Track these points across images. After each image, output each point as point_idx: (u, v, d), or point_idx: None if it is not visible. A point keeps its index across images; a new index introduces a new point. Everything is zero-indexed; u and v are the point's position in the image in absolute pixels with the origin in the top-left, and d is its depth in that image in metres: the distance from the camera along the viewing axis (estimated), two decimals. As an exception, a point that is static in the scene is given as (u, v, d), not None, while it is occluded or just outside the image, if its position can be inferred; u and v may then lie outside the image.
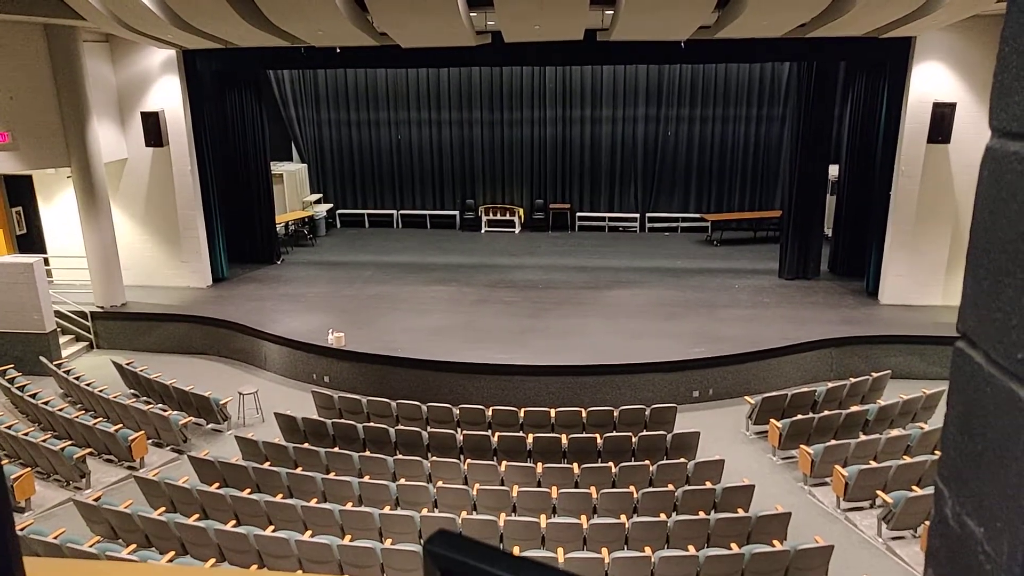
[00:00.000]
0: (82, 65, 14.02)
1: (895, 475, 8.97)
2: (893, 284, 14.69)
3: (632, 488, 8.67)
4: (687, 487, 8.79)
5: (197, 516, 8.08)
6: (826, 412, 10.79)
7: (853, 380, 11.74)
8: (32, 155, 13.81)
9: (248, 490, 8.70)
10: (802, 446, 9.93)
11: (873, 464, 9.23)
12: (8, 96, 13.24)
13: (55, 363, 13.00)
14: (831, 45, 13.17)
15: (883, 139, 14.71)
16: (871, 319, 14.07)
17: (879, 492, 8.81)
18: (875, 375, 11.92)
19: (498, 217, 21.60)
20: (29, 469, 9.47)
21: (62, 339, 14.39)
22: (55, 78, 13.84)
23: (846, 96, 16.43)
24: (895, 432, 10.17)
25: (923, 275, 14.47)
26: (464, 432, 10.31)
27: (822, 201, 16.37)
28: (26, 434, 10.14)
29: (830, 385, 11.68)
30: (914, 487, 8.73)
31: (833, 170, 17.21)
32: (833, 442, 9.81)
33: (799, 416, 10.63)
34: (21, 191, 16.74)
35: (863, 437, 10.06)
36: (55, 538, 7.14)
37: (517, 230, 21.42)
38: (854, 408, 10.99)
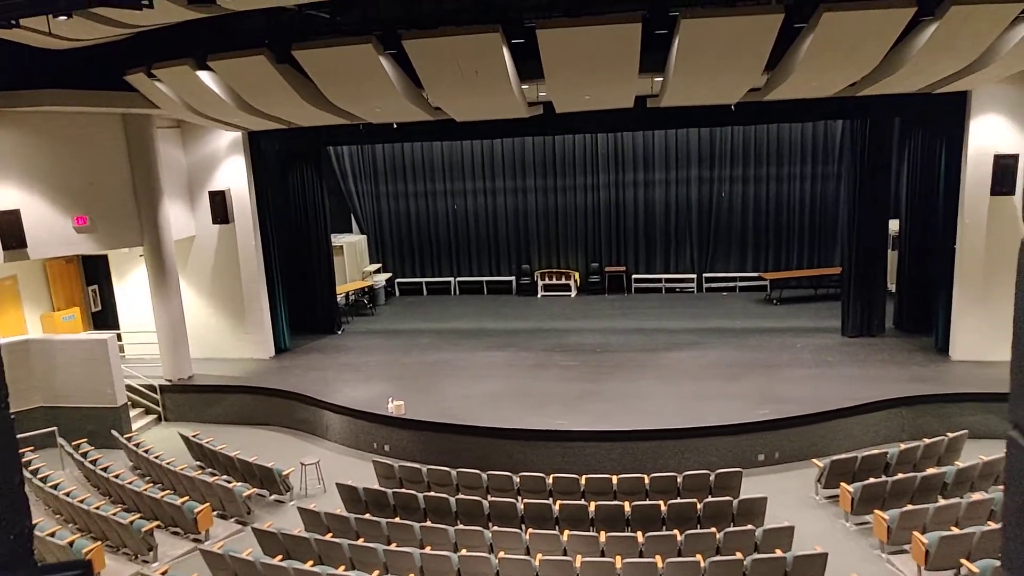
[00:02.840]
0: (155, 150, 14.88)
1: (980, 542, 8.46)
2: (964, 339, 14.15)
3: (699, 557, 8.39)
4: (756, 555, 8.45)
5: (261, 588, 8.11)
6: (900, 475, 10.30)
7: (927, 441, 11.22)
8: (108, 236, 14.58)
9: (311, 562, 8.71)
10: (876, 511, 9.48)
11: (955, 530, 8.73)
12: (88, 182, 14.09)
13: (125, 436, 13.38)
14: (883, 102, 13.10)
15: (944, 192, 14.40)
16: (943, 376, 13.53)
17: (963, 561, 8.32)
18: (951, 435, 11.36)
19: (554, 281, 21.71)
20: (100, 543, 9.67)
21: (132, 412, 14.85)
22: (131, 163, 14.70)
23: (903, 149, 16.23)
24: (977, 496, 9.62)
25: (996, 329, 13.89)
26: (525, 500, 10.17)
27: (883, 256, 16.04)
28: (97, 507, 10.40)
29: (903, 446, 11.20)
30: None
31: (893, 224, 16.88)
32: (910, 507, 9.33)
33: (871, 479, 10.17)
34: (97, 270, 17.60)
35: (942, 501, 9.54)
36: (125, 611, 7.23)
37: (573, 294, 21.46)
38: (931, 470, 10.47)
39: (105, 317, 17.72)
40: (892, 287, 17.03)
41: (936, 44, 9.09)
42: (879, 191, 15.51)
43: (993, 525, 8.82)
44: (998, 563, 7.80)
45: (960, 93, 13.20)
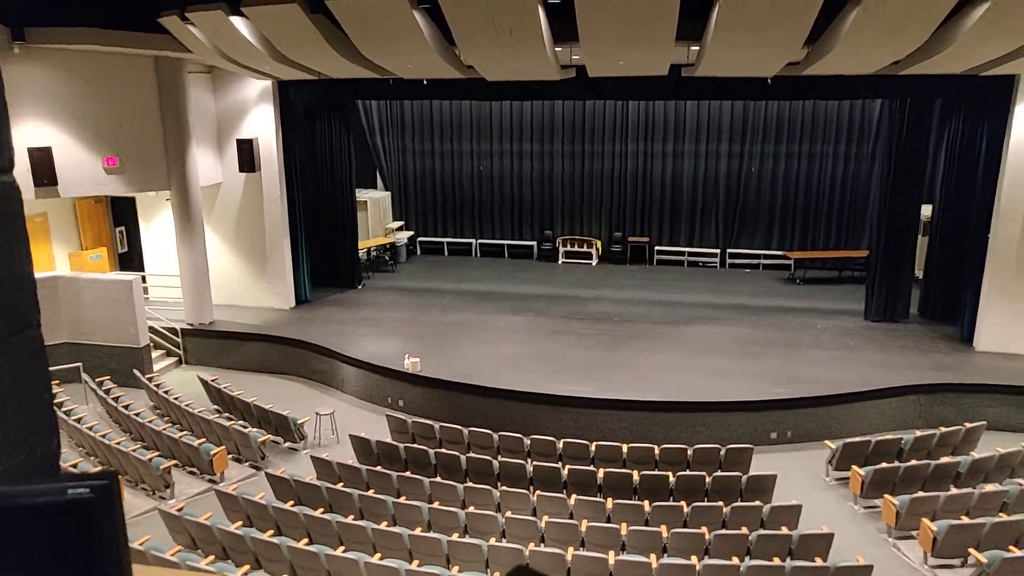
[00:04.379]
0: (186, 95, 14.87)
1: (990, 533, 8.42)
2: (991, 330, 13.94)
3: (704, 529, 8.44)
4: (762, 531, 8.49)
5: (271, 532, 8.28)
6: (913, 461, 10.25)
7: (944, 429, 11.13)
8: (137, 178, 14.67)
9: (321, 509, 8.88)
10: (886, 496, 9.45)
11: (965, 520, 8.69)
12: (119, 124, 14.14)
13: (147, 376, 13.63)
14: (926, 82, 12.74)
15: (982, 179, 14.07)
16: (965, 366, 13.37)
17: (971, 550, 8.29)
18: (969, 425, 11.27)
19: (576, 248, 21.62)
20: (120, 477, 9.89)
21: (154, 353, 15.09)
22: (161, 107, 14.70)
23: (942, 134, 15.81)
24: (990, 487, 9.56)
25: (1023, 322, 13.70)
26: (535, 463, 10.27)
27: (913, 242, 15.76)
28: (118, 443, 10.64)
29: (918, 433, 11.11)
30: (1012, 547, 8.18)
31: (926, 210, 16.56)
32: (921, 493, 9.30)
33: (883, 464, 10.14)
34: (125, 212, 17.78)
35: (954, 490, 9.50)
36: (140, 545, 7.43)
37: (594, 262, 21.38)
38: (945, 459, 10.40)
39: (131, 259, 17.94)
40: (919, 273, 16.76)
41: (986, 24, 8.79)
42: (914, 175, 15.17)
43: (1005, 517, 8.78)
44: (1008, 554, 7.77)
45: (1007, 76, 12.81)
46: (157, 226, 17.60)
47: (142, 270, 17.33)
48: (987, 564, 7.82)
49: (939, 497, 9.16)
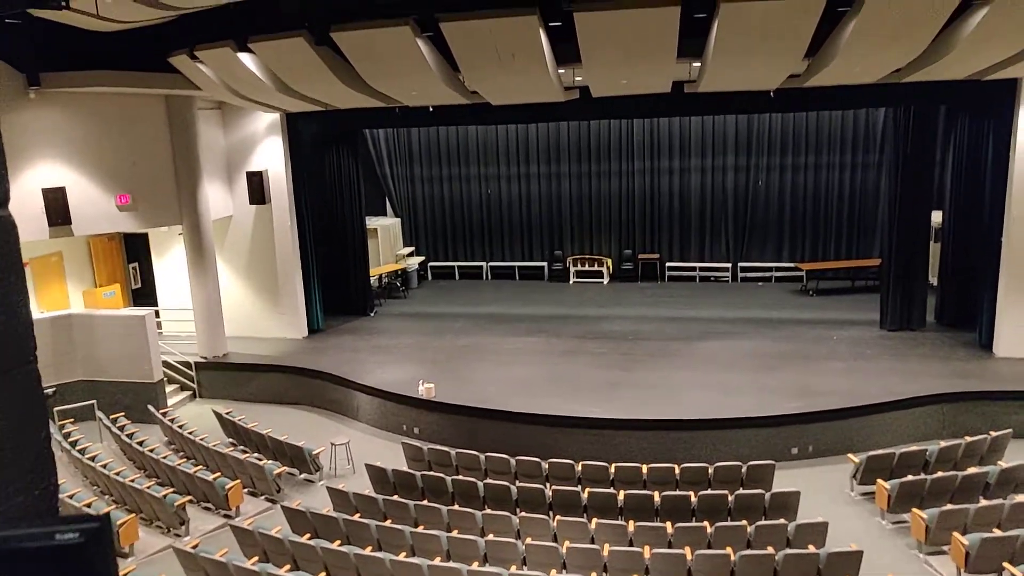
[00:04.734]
0: (196, 131, 15.08)
1: (1023, 546, 8.24)
2: (1009, 335, 13.75)
3: (729, 550, 8.28)
4: (788, 550, 8.31)
5: (288, 567, 8.20)
6: (940, 473, 10.05)
7: (969, 439, 10.92)
8: (149, 214, 14.83)
9: (338, 542, 8.78)
10: (914, 510, 9.24)
11: (997, 532, 8.47)
12: (131, 161, 14.33)
13: (161, 411, 13.63)
14: (929, 89, 12.70)
15: (991, 183, 13.96)
16: (986, 373, 13.17)
17: (1006, 564, 8.07)
18: (994, 434, 11.03)
19: (586, 268, 21.57)
20: (134, 515, 9.87)
21: (168, 388, 15.11)
22: (172, 144, 14.92)
23: (948, 139, 15.75)
24: (1021, 497, 9.34)
25: (1043, 326, 13.52)
26: (553, 487, 10.14)
27: (925, 248, 15.63)
28: (132, 480, 10.60)
29: (943, 444, 10.92)
30: (1045, 559, 7.99)
31: (936, 216, 16.43)
32: (950, 506, 9.08)
33: (909, 477, 9.94)
34: (138, 248, 17.92)
35: (984, 502, 9.29)
36: (157, 583, 7.37)
37: (606, 281, 21.32)
38: (972, 470, 10.17)
39: (145, 294, 18.06)
40: (933, 280, 16.59)
41: (986, 29, 8.76)
42: (922, 181, 15.09)
43: (1036, 528, 8.58)
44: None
45: (1010, 80, 12.75)
46: (170, 261, 17.71)
47: (155, 305, 17.42)
48: (1021, 577, 7.62)
49: (969, 510, 8.94)
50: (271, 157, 16.38)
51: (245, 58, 11.18)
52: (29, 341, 1.45)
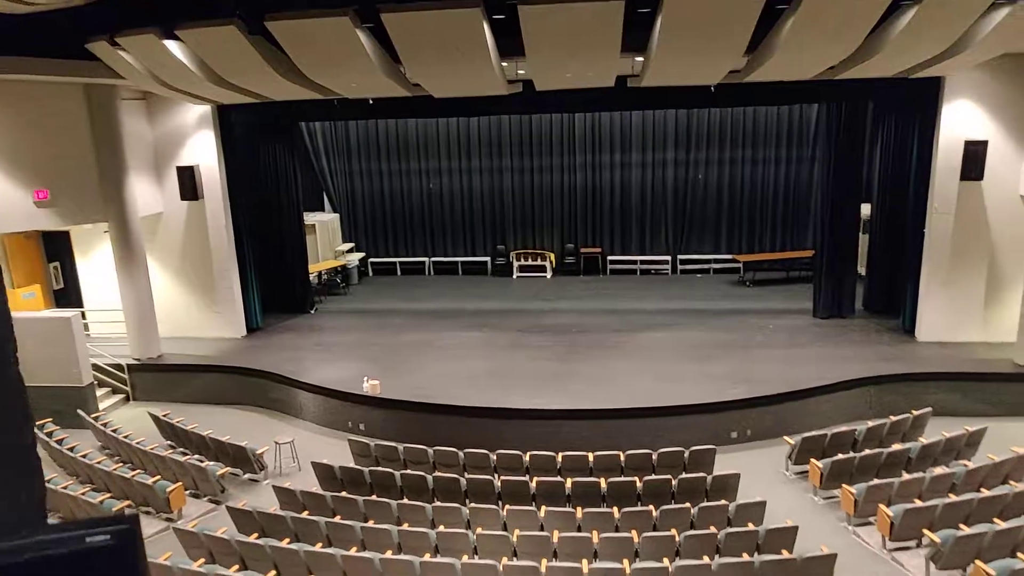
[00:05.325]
0: (120, 123, 14.45)
1: (942, 514, 8.72)
2: (930, 320, 14.46)
3: (674, 531, 8.50)
4: (729, 529, 8.59)
5: (237, 567, 8.04)
6: (867, 451, 10.57)
7: (893, 418, 11.49)
8: (70, 211, 14.16)
9: (287, 540, 8.65)
10: (844, 486, 9.70)
11: (918, 503, 8.98)
12: (49, 155, 13.66)
13: (92, 416, 13.14)
14: (858, 86, 13.21)
15: (915, 177, 14.62)
16: (909, 356, 13.82)
17: (926, 531, 8.56)
18: (916, 413, 11.65)
19: (529, 262, 21.68)
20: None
21: (99, 392, 14.57)
22: (94, 136, 14.26)
23: (876, 135, 16.43)
24: (939, 470, 9.92)
25: (960, 311, 14.24)
26: (502, 478, 10.20)
27: (855, 240, 16.28)
28: (65, 487, 10.21)
29: (870, 424, 11.44)
30: (962, 525, 8.45)
31: (865, 209, 17.12)
32: (876, 481, 9.57)
33: (840, 456, 10.41)
34: (59, 246, 17.14)
35: (906, 476, 9.82)
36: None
37: (548, 275, 21.47)
38: (896, 447, 10.74)
39: (67, 295, 17.29)
40: (862, 270, 17.29)
41: (915, 28, 9.16)
42: (852, 175, 15.71)
43: (954, 497, 9.09)
44: (960, 532, 8.02)
45: (934, 79, 13.38)
46: (95, 260, 17.05)
47: (81, 306, 16.74)
48: (941, 543, 8.07)
49: (893, 483, 9.45)
50: (203, 151, 15.90)
51: (172, 46, 10.70)
52: (9, 343, 1.39)
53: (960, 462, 10.43)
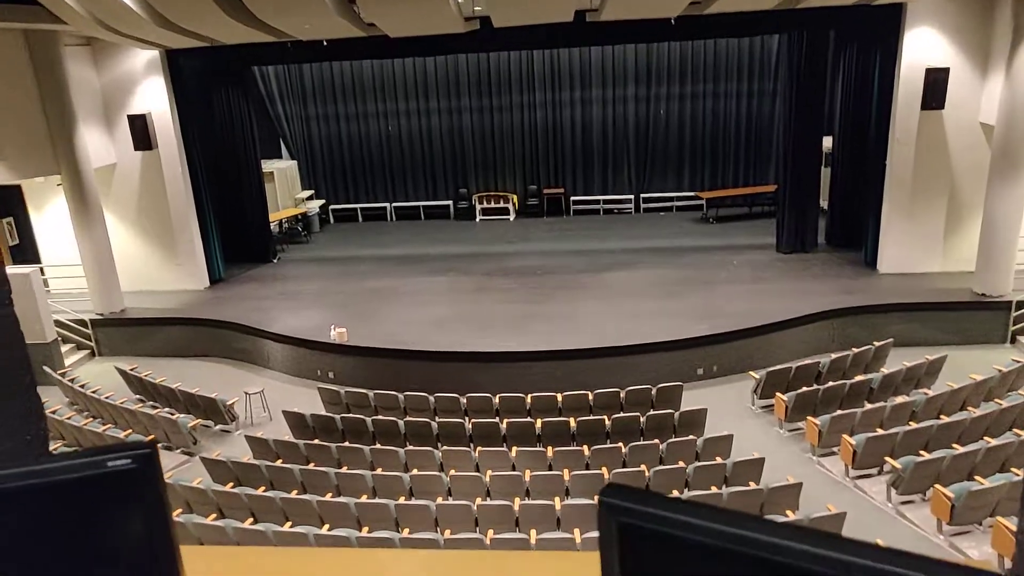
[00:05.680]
0: (65, 70, 13.87)
1: (902, 441, 9.04)
2: (891, 253, 14.72)
3: (643, 467, 8.71)
4: (698, 463, 8.84)
5: (214, 516, 8.09)
6: (831, 383, 10.84)
7: (856, 350, 11.78)
8: (20, 164, 13.67)
9: (263, 488, 8.71)
10: (808, 418, 9.99)
11: (880, 432, 9.29)
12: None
13: (59, 372, 12.96)
14: (820, 15, 13.15)
15: (877, 108, 14.68)
16: (871, 288, 14.11)
17: (887, 458, 8.89)
18: (877, 344, 11.96)
19: (492, 205, 21.55)
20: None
21: (64, 348, 14.35)
22: (38, 85, 13.70)
23: (837, 66, 16.38)
24: (900, 399, 10.24)
25: (921, 242, 14.51)
26: (473, 420, 10.33)
27: (817, 174, 16.40)
28: (34, 444, 10.10)
29: (833, 356, 11.73)
30: (922, 451, 8.79)
31: (827, 142, 17.21)
32: (839, 412, 9.87)
33: (804, 388, 10.68)
34: (11, 201, 16.59)
35: (868, 406, 10.12)
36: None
37: (512, 217, 21.38)
38: (858, 378, 11.03)
39: (23, 251, 16.83)
40: (825, 204, 17.48)
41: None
42: (813, 107, 15.73)
43: (914, 425, 9.41)
44: (919, 459, 8.35)
45: (896, 5, 13.33)
46: (50, 214, 16.57)
47: (38, 262, 16.32)
48: (902, 469, 8.40)
49: (856, 413, 9.74)
50: (153, 99, 15.38)
51: (118, -12, 10.32)
52: (3, 286, 1.37)
53: (920, 390, 10.72)
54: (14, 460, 1.28)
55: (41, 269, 15.04)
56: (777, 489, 8.01)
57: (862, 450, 9.06)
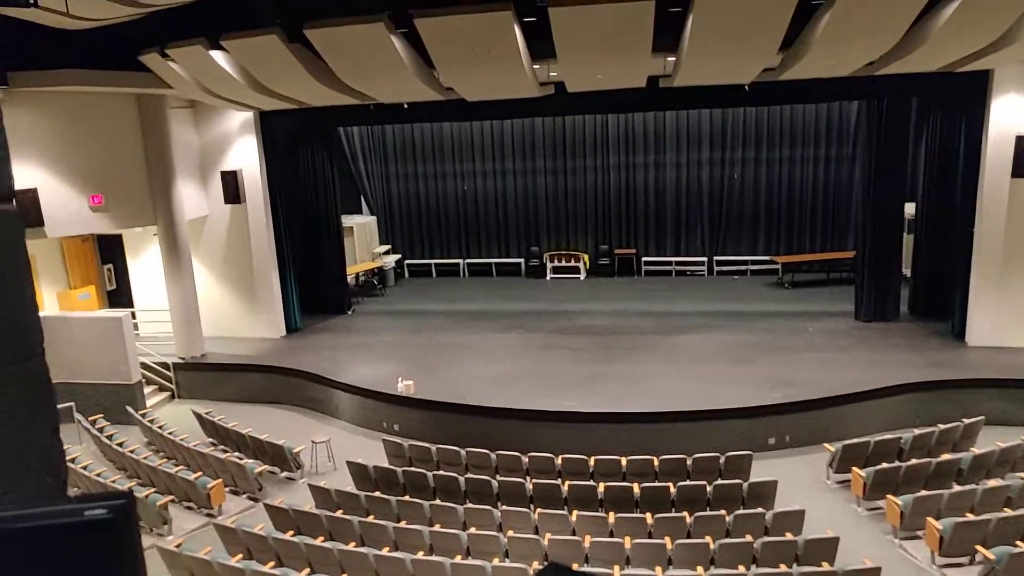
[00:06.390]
0: (169, 130, 14.95)
1: (996, 529, 8.36)
2: (981, 324, 14.01)
3: (708, 539, 8.38)
4: (766, 538, 8.44)
5: (273, 564, 8.19)
6: (914, 460, 10.20)
7: (942, 427, 11.10)
8: (122, 215, 14.68)
9: (321, 538, 8.78)
10: (889, 496, 9.41)
11: (970, 517, 8.63)
12: (103, 162, 14.17)
13: (140, 412, 13.50)
14: (901, 81, 12.90)
15: (963, 175, 14.19)
16: (959, 362, 13.40)
17: (979, 547, 8.24)
18: (967, 421, 11.22)
19: (563, 264, 21.66)
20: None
21: (146, 389, 14.97)
22: (144, 143, 14.79)
23: (920, 131, 16.00)
24: (993, 483, 9.51)
25: (1013, 314, 13.76)
26: (534, 481, 10.20)
27: (899, 240, 15.88)
28: (113, 481, 10.52)
29: (917, 432, 11.09)
30: (1018, 542, 8.15)
31: (909, 208, 16.69)
32: (924, 492, 9.25)
33: (884, 464, 10.10)
34: (113, 250, 17.71)
35: (957, 488, 9.43)
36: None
37: (582, 276, 21.41)
38: (945, 456, 10.33)
39: (120, 296, 17.86)
40: (907, 271, 16.86)
41: (959, 20, 8.91)
42: (895, 173, 15.32)
43: (1010, 512, 8.74)
44: (1015, 550, 7.74)
45: (981, 72, 12.96)
46: (145, 262, 17.54)
47: (131, 306, 17.24)
48: (996, 560, 7.75)
49: (943, 495, 9.11)
50: (245, 156, 16.27)
51: (217, 56, 11.10)
52: (37, 333, 1.47)
53: (1016, 474, 9.92)
54: (31, 502, 1.37)
55: (133, 313, 15.85)
56: (853, 572, 7.54)
57: (950, 536, 8.41)
